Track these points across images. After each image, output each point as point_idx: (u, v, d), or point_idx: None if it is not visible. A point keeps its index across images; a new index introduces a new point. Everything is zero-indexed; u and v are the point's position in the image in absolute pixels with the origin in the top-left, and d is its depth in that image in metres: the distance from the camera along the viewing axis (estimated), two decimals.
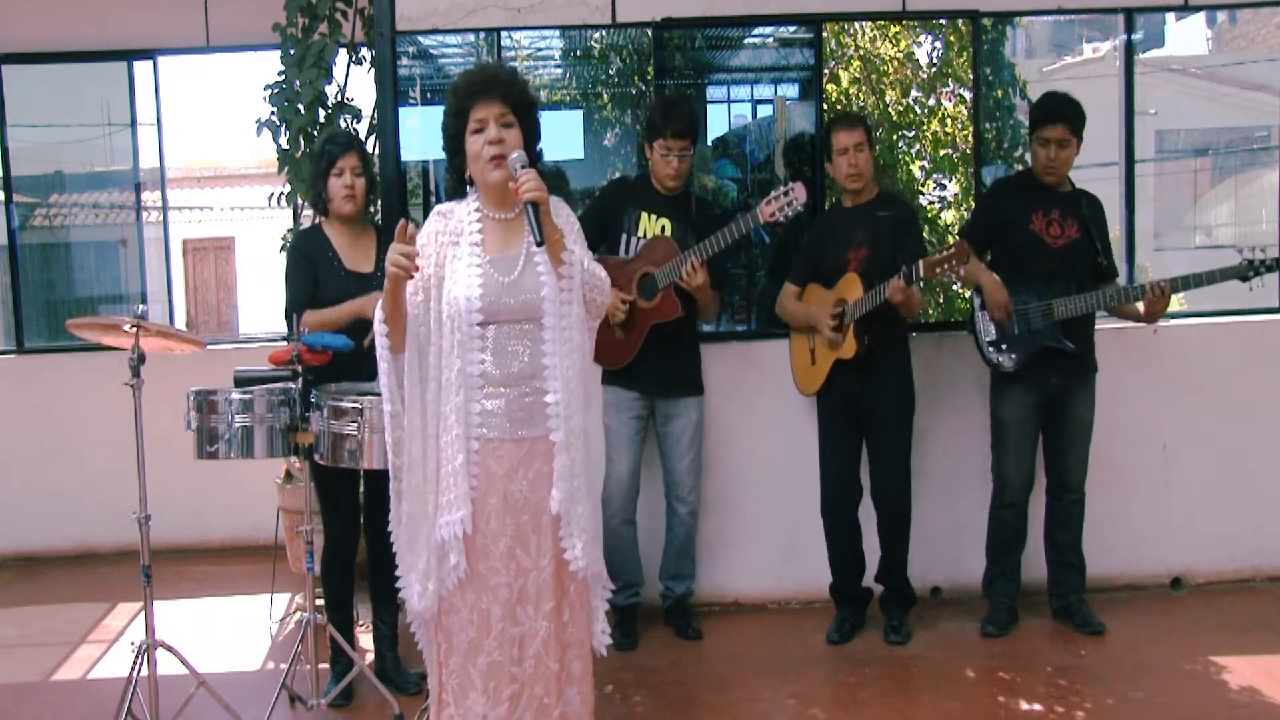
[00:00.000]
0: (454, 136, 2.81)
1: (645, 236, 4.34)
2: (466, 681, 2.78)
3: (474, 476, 2.75)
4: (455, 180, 2.88)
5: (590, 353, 2.86)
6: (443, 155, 2.90)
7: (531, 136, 2.84)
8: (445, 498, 2.74)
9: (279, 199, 5.04)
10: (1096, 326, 4.50)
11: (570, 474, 2.78)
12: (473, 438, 2.74)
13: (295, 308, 3.81)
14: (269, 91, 4.94)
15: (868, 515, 4.44)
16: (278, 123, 4.90)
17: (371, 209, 4.32)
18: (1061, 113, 4.29)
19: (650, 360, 4.32)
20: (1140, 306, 4.28)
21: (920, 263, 3.97)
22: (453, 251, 2.79)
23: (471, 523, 2.73)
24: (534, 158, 2.84)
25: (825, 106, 5.34)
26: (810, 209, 4.77)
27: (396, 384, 2.78)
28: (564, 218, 2.84)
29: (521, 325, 2.76)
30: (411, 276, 2.67)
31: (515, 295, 2.75)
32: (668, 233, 4.31)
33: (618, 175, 5.76)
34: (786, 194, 4.01)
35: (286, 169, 4.94)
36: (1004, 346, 4.31)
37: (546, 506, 2.78)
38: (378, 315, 2.75)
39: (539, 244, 2.63)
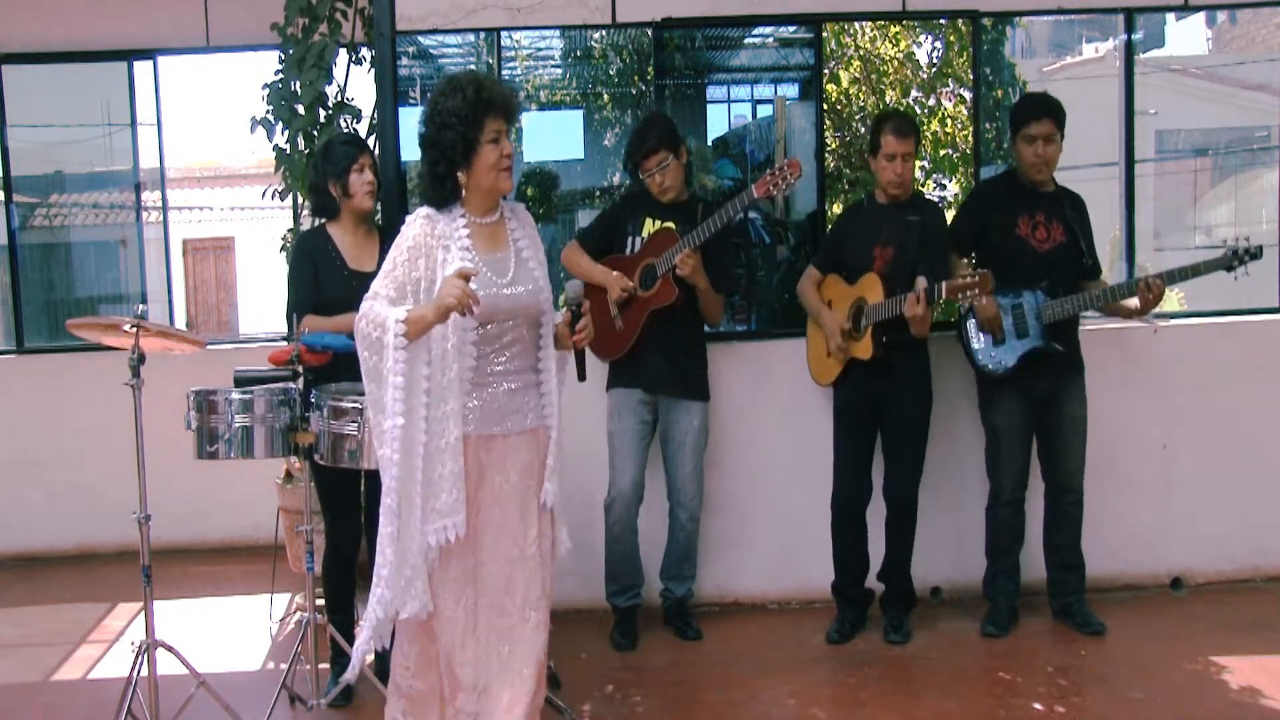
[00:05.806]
0: (472, 140, 2.80)
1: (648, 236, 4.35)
2: (454, 682, 2.81)
3: (467, 476, 2.79)
4: (453, 185, 2.85)
5: None
6: None
7: None
8: (438, 502, 2.75)
9: (273, 194, 5.04)
10: (1097, 327, 4.49)
11: (558, 468, 2.93)
12: (467, 437, 2.79)
13: (297, 308, 3.81)
14: (267, 90, 4.94)
15: (871, 514, 4.44)
16: (273, 121, 4.90)
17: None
18: (1048, 108, 4.30)
19: (654, 355, 4.32)
20: (1134, 302, 4.23)
21: (944, 284, 3.97)
22: (443, 256, 2.81)
23: (464, 525, 2.76)
24: None
25: (825, 106, 5.34)
26: (819, 204, 4.77)
27: (403, 391, 2.71)
28: (527, 226, 2.99)
29: (513, 322, 2.86)
30: (465, 313, 2.67)
31: (514, 294, 2.84)
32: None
33: (626, 189, 5.78)
34: (780, 169, 4.02)
35: (284, 168, 4.95)
36: (993, 353, 4.31)
37: (534, 496, 2.87)
38: (397, 326, 2.68)
39: (581, 379, 2.95)
